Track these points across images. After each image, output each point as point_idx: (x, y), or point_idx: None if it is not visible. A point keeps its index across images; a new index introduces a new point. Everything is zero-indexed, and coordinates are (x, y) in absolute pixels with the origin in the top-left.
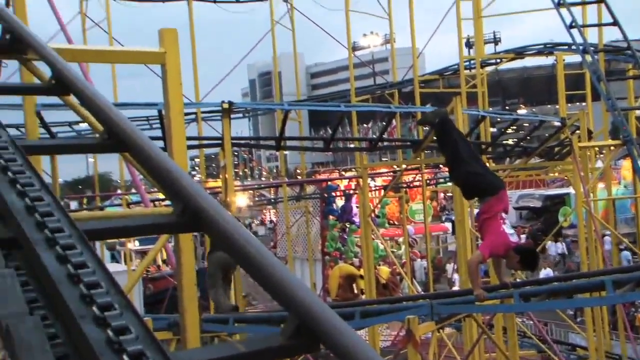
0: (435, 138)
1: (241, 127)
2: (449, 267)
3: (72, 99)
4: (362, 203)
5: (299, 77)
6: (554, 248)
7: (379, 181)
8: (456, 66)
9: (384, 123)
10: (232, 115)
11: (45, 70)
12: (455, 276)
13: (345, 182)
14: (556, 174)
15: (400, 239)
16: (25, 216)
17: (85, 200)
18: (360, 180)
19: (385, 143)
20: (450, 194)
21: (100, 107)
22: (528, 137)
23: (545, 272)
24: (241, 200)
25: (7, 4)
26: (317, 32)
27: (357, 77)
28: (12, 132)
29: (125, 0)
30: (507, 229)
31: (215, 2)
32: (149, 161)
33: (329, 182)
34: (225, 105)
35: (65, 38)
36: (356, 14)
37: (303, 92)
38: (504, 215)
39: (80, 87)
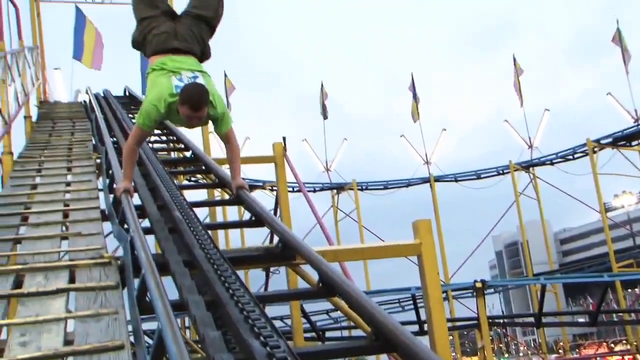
0: None
1: (492, 300)
2: None
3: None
4: None
5: (549, 246)
6: None
7: None
8: None
9: None
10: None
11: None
12: None
13: (616, 356)
14: None
15: None
16: None
17: None
18: (638, 356)
19: None
20: None
21: (367, 309)
22: None
23: None
24: None
25: (275, 212)
26: (563, 196)
27: (613, 239)
28: (276, 323)
29: (373, 190)
30: None
31: (456, 181)
32: None
33: (598, 358)
34: (479, 284)
35: (321, 230)
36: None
37: (553, 259)
38: None
39: (345, 289)
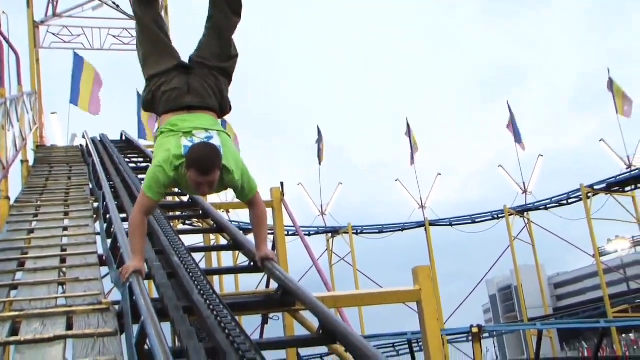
0: None
1: (486, 345)
2: None
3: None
4: None
5: (544, 290)
6: None
7: None
8: None
9: None
10: None
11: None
12: None
13: None
14: None
15: None
16: None
17: None
18: None
19: None
20: None
21: (367, 355)
22: None
23: None
24: None
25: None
26: (557, 241)
27: (607, 283)
28: None
29: (368, 234)
30: None
31: (451, 225)
32: None
33: None
34: (475, 329)
35: (316, 272)
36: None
37: (548, 303)
38: None
39: (347, 336)
